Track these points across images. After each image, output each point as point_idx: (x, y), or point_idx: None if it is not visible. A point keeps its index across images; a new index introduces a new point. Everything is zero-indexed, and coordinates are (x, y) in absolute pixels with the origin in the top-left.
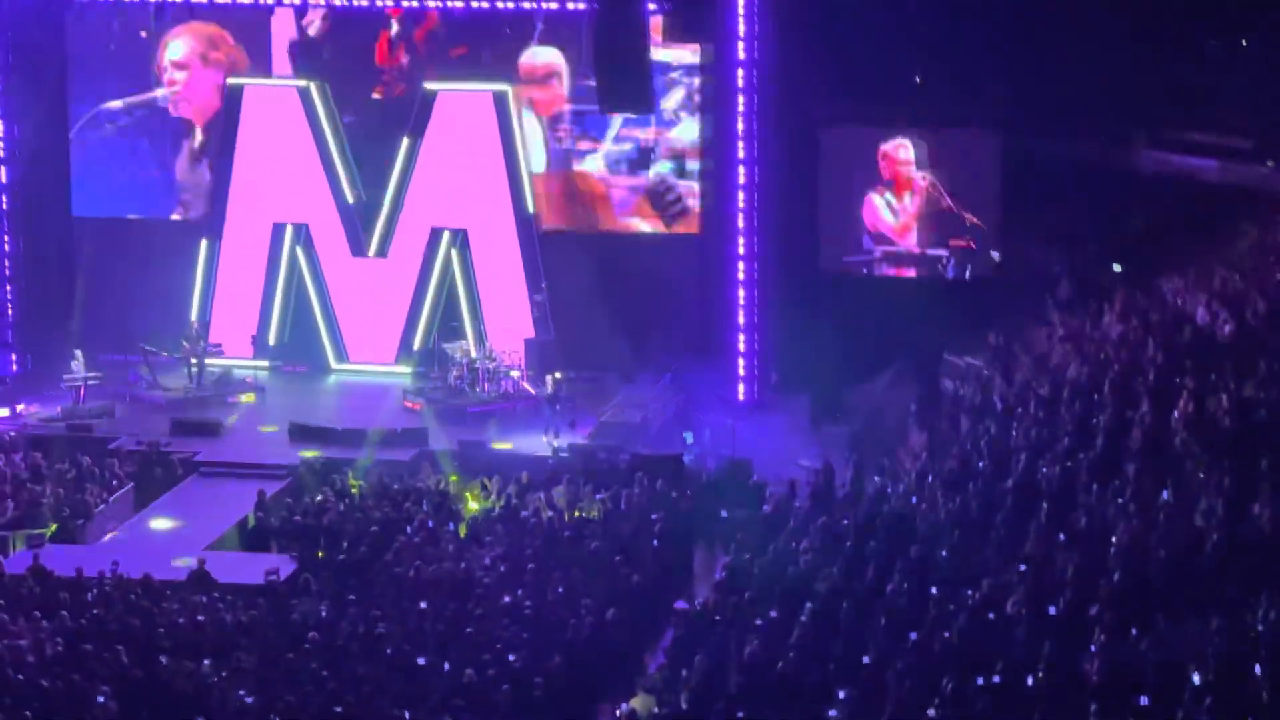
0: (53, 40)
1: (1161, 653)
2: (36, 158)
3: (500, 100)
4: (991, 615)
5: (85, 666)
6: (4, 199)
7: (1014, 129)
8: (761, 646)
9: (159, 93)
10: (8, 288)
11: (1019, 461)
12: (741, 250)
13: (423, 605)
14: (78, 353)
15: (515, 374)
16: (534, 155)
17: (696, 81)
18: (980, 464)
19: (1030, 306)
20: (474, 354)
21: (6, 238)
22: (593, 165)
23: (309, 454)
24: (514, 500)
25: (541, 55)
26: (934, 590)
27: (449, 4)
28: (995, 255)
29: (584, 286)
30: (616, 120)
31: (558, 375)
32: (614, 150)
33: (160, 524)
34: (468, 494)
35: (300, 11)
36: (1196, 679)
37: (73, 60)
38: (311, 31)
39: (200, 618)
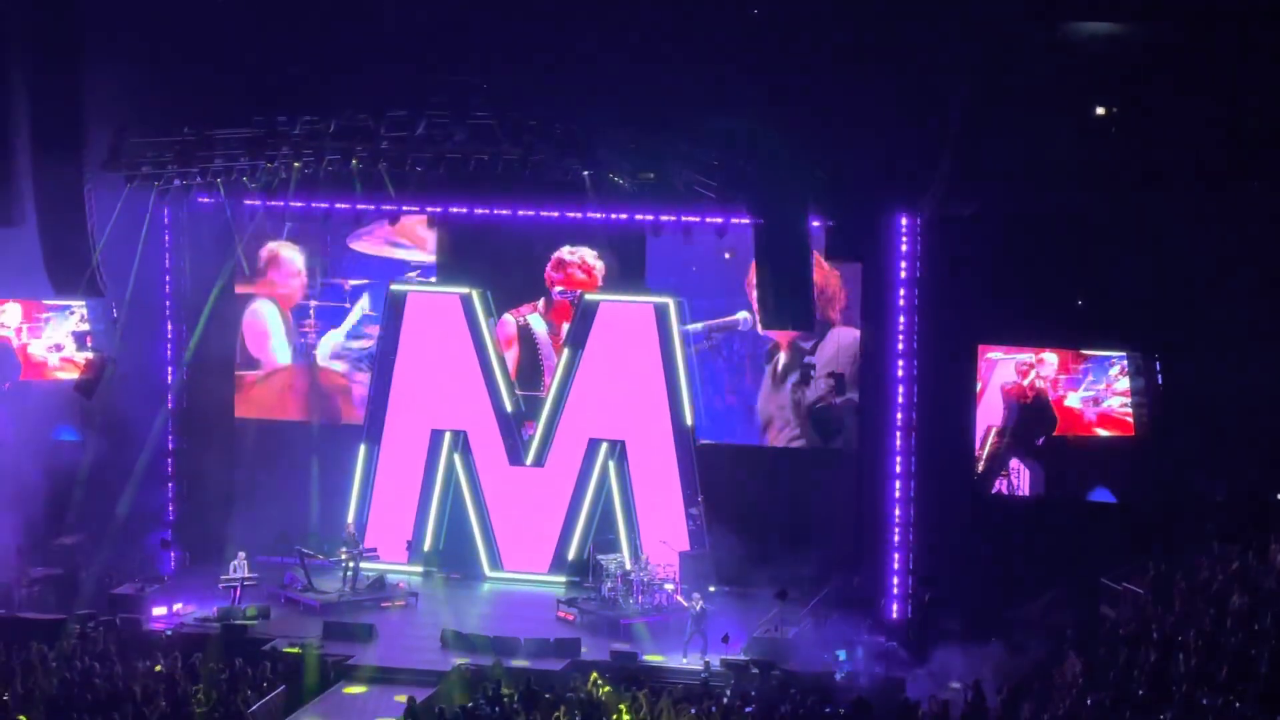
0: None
1: None
2: (203, 360)
3: (661, 311)
4: None
5: None
6: (170, 399)
7: (1174, 350)
8: None
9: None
10: (170, 486)
11: (1179, 691)
12: (898, 468)
13: None
14: (241, 554)
15: (670, 587)
16: None
17: (856, 298)
18: (1139, 693)
19: (1191, 533)
20: (629, 565)
21: (171, 437)
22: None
23: (460, 661)
24: (665, 714)
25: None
26: None
27: (613, 216)
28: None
29: (740, 501)
30: None
31: (711, 590)
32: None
33: None
34: (621, 706)
35: None
36: None
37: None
38: None
39: None
